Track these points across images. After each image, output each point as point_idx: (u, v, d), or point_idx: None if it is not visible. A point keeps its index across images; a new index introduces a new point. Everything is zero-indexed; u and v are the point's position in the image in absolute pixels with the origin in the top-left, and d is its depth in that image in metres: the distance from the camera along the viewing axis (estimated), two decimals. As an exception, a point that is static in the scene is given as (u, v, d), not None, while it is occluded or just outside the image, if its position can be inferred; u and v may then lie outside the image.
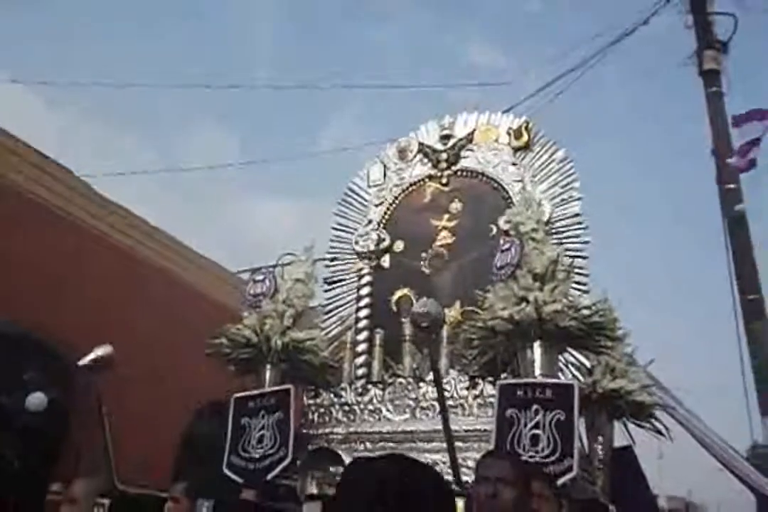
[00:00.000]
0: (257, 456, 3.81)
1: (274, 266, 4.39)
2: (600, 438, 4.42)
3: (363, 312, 5.05)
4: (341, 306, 5.26)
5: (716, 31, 6.95)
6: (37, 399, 3.10)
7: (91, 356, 3.25)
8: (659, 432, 4.59)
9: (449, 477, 3.48)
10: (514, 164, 5.15)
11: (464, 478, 3.55)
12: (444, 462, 3.57)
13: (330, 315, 5.23)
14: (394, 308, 5.01)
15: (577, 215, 4.75)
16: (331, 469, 3.44)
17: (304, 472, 3.49)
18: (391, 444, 3.81)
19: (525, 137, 5.20)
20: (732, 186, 6.30)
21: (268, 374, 4.17)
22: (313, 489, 3.41)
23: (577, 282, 4.45)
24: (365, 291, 5.15)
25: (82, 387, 3.22)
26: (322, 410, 4.15)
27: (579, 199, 4.83)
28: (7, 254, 5.78)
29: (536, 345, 3.55)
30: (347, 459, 3.41)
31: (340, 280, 5.37)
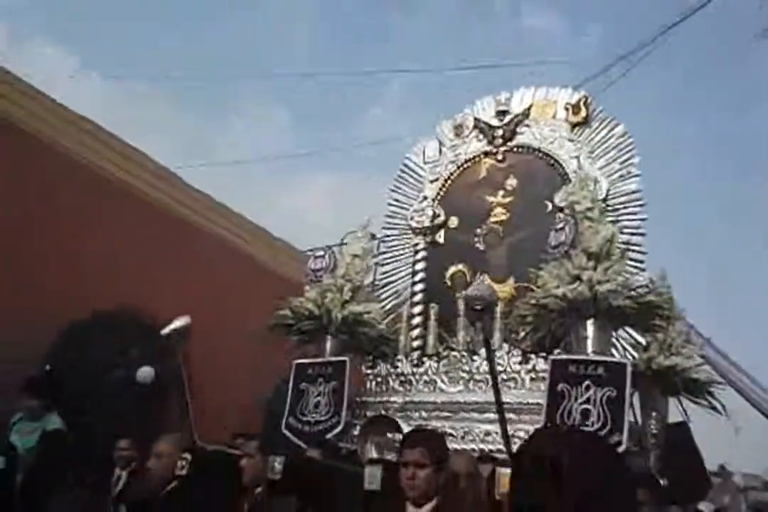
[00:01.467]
0: (312, 420, 4.07)
1: (339, 245, 4.57)
2: (654, 414, 4.48)
3: (418, 287, 5.20)
4: (397, 280, 5.42)
5: None
6: (146, 373, 3.43)
7: (172, 326, 3.53)
8: (714, 408, 4.60)
9: (501, 447, 3.66)
10: (571, 140, 5.12)
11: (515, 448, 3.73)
12: (496, 433, 3.74)
13: (386, 289, 5.39)
14: (449, 283, 5.13)
15: (634, 192, 4.72)
16: (389, 435, 3.65)
17: (364, 437, 3.72)
18: (445, 414, 3.99)
19: (583, 112, 5.15)
20: None
21: (328, 344, 4.39)
22: (373, 454, 3.63)
23: (634, 260, 4.47)
24: (420, 266, 5.29)
25: (174, 357, 3.53)
26: (379, 379, 4.36)
27: (637, 175, 4.78)
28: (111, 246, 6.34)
29: (589, 323, 3.62)
30: (405, 427, 3.62)
31: (396, 255, 5.52)
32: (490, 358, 2.86)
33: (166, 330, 3.56)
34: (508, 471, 2.47)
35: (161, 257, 7.14)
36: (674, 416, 4.66)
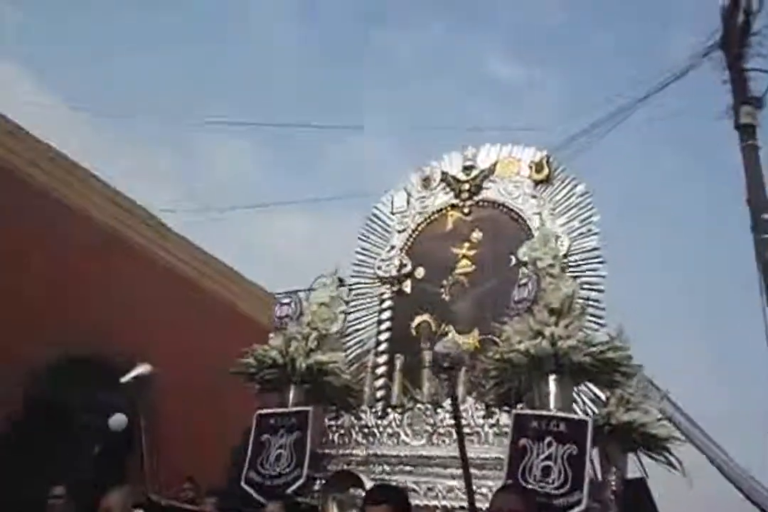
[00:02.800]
0: (274, 473, 3.99)
1: (307, 290, 4.58)
2: (613, 469, 4.53)
3: (383, 336, 5.23)
4: (362, 329, 5.44)
5: (752, 87, 7.16)
6: (119, 420, 3.34)
7: (132, 374, 3.46)
8: (671, 464, 4.67)
9: (464, 504, 3.64)
10: (534, 197, 5.32)
11: (478, 505, 3.71)
12: (459, 489, 3.72)
13: (351, 337, 5.40)
14: (414, 333, 5.17)
15: (594, 249, 4.89)
16: (351, 491, 3.60)
17: (326, 493, 3.65)
18: (408, 468, 3.95)
19: (546, 171, 5.37)
20: (766, 236, 6.48)
21: (291, 394, 4.35)
22: (335, 511, 3.56)
23: (593, 316, 4.60)
24: (386, 315, 5.33)
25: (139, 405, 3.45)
26: (342, 431, 4.30)
27: (597, 233, 4.97)
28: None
29: (551, 378, 3.69)
30: (367, 482, 3.57)
31: (363, 304, 5.55)
32: (456, 413, 2.88)
33: (125, 378, 3.48)
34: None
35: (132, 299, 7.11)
36: (633, 471, 4.72)
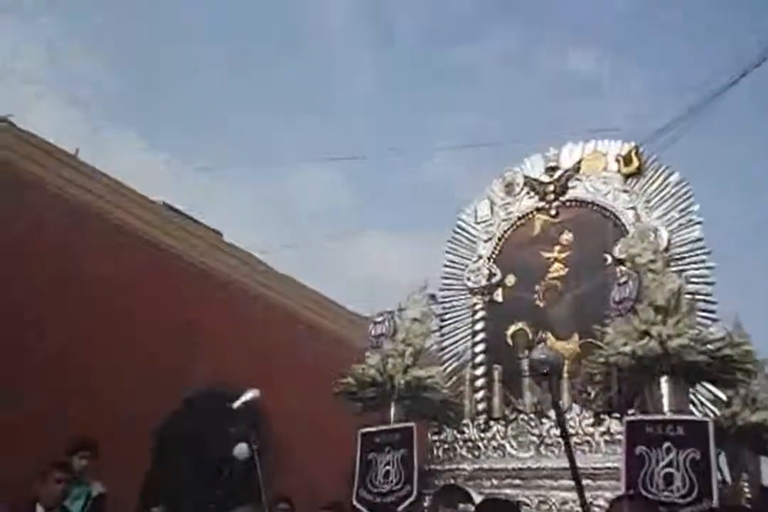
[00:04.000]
0: (384, 490, 3.97)
1: (399, 310, 4.60)
2: (744, 475, 4.17)
3: (479, 348, 5.12)
4: (457, 342, 5.36)
5: None
6: (242, 449, 3.53)
7: (242, 399, 3.60)
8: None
9: (580, 517, 3.45)
10: (625, 191, 5.07)
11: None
12: (574, 501, 3.54)
13: (447, 351, 5.33)
14: (510, 342, 5.04)
15: (698, 240, 4.59)
16: (461, 506, 3.50)
17: (435, 508, 3.58)
18: (517, 482, 3.82)
19: (635, 163, 5.11)
20: None
21: (392, 411, 4.33)
22: (444, 526, 3.49)
23: (704, 310, 4.29)
24: (480, 326, 5.22)
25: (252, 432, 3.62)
26: (446, 446, 4.24)
27: (699, 222, 4.66)
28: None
29: (663, 380, 3.46)
30: (476, 496, 3.47)
31: (455, 317, 5.48)
32: (561, 422, 2.75)
33: (237, 404, 3.63)
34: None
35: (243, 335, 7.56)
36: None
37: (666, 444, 3.23)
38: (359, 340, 5.80)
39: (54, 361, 5.96)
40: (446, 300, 5.60)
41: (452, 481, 3.94)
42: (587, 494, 3.49)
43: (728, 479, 4.25)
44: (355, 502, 4.06)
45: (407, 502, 3.83)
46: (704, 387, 4.01)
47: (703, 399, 4.11)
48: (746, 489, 4.09)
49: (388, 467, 4.04)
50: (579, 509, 3.53)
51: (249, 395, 3.62)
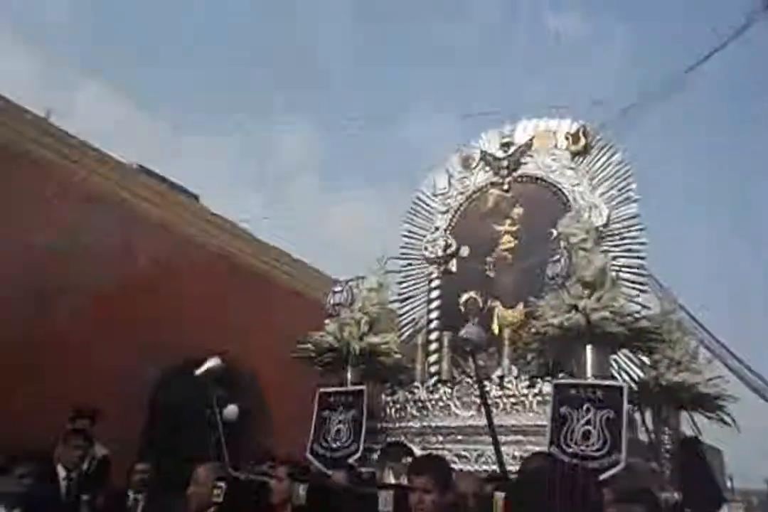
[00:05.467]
0: (334, 446, 4.38)
1: (358, 278, 4.91)
2: (666, 430, 4.65)
3: (434, 314, 5.50)
4: (413, 308, 5.73)
5: None
6: (232, 411, 3.80)
7: (204, 367, 3.90)
8: (724, 422, 4.74)
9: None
10: (572, 169, 5.38)
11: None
12: (508, 454, 3.99)
13: (404, 317, 5.70)
14: (462, 310, 5.41)
15: (633, 217, 4.94)
16: (404, 460, 3.92)
17: (382, 463, 3.99)
18: (459, 437, 4.25)
19: (582, 141, 5.40)
20: None
21: (348, 374, 4.71)
22: (390, 478, 3.90)
23: (635, 282, 4.69)
24: (435, 294, 5.59)
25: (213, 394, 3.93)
26: (398, 406, 4.65)
27: (636, 200, 5.01)
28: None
29: (587, 348, 3.86)
30: (419, 452, 3.88)
31: (412, 285, 5.83)
32: (482, 390, 3.14)
33: (199, 371, 3.91)
34: (501, 495, 2.72)
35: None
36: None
37: (586, 405, 3.64)
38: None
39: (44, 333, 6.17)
40: (404, 269, 5.93)
41: (402, 438, 4.36)
42: (519, 448, 3.98)
43: (651, 434, 4.74)
44: (308, 455, 4.47)
45: (353, 458, 4.24)
46: (633, 352, 4.45)
47: (630, 364, 4.57)
48: (666, 442, 4.60)
49: (339, 425, 4.43)
50: (510, 461, 4.00)
51: (211, 362, 3.91)
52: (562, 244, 4.34)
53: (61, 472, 3.57)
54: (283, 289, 9.25)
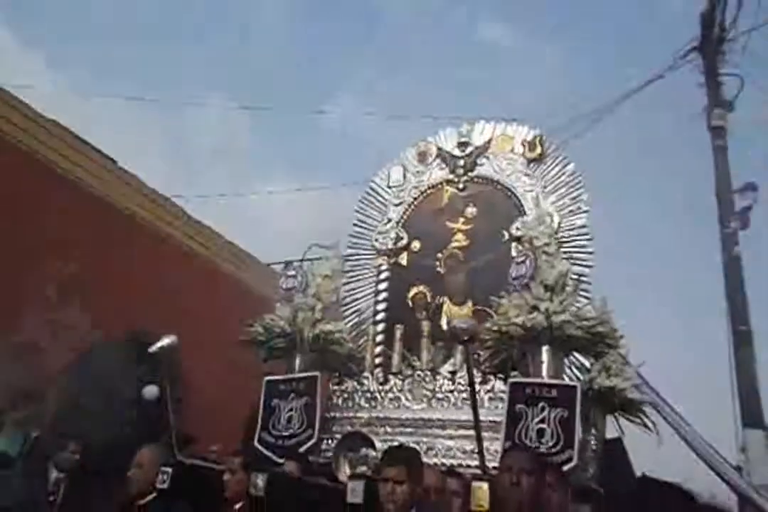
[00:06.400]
0: (286, 434, 4.29)
1: (301, 260, 4.78)
2: (593, 431, 4.92)
3: (381, 306, 5.49)
4: (359, 299, 5.69)
5: (725, 91, 7.54)
6: (151, 391, 3.59)
7: (158, 344, 3.68)
8: (646, 426, 5.08)
9: (462, 462, 4.00)
10: (527, 174, 5.55)
11: (468, 462, 4.07)
12: (457, 448, 4.08)
13: (349, 306, 5.64)
14: (410, 304, 5.44)
15: (583, 226, 5.17)
16: (362, 451, 3.90)
17: (338, 452, 3.95)
18: (409, 430, 4.27)
19: (539, 149, 5.59)
20: (731, 229, 6.95)
21: (297, 361, 4.61)
22: (346, 468, 3.87)
23: (582, 290, 4.91)
24: (383, 286, 5.58)
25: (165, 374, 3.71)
26: (346, 395, 4.60)
27: (586, 211, 5.25)
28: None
29: (545, 349, 4.00)
30: (378, 444, 3.87)
31: (359, 275, 5.78)
32: (472, 382, 3.17)
33: (153, 348, 3.70)
34: (483, 485, 2.77)
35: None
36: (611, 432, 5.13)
37: (541, 404, 3.79)
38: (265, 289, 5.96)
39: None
40: (352, 258, 5.87)
41: (350, 428, 4.32)
42: (469, 442, 4.06)
43: (579, 434, 5.00)
44: (256, 444, 4.34)
45: (309, 444, 4.17)
46: (573, 355, 4.67)
47: (571, 366, 4.79)
48: (593, 443, 4.87)
49: (291, 413, 4.34)
50: (461, 455, 4.09)
51: (166, 341, 3.71)
52: (525, 246, 4.47)
53: None
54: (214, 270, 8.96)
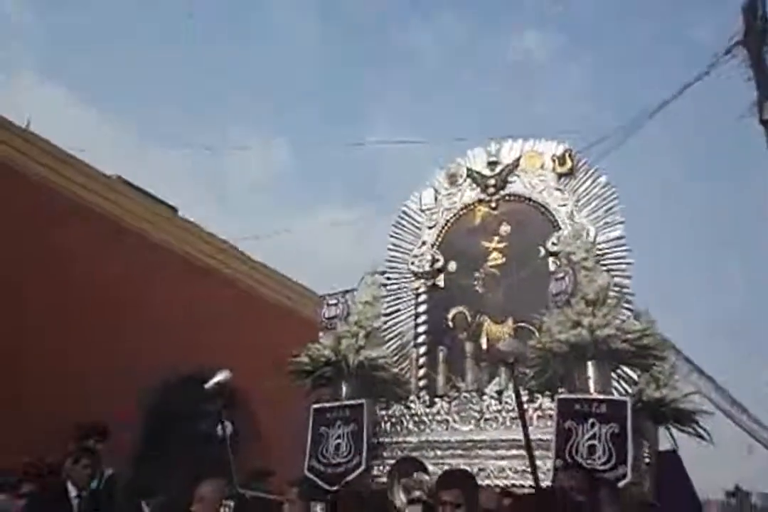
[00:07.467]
0: (334, 462, 4.33)
1: (350, 291, 4.88)
2: (645, 443, 4.83)
3: (421, 329, 5.53)
4: (399, 322, 5.73)
5: None
6: (226, 427, 3.71)
7: (214, 380, 3.79)
8: (701, 436, 4.96)
9: (515, 482, 3.98)
10: (558, 189, 5.56)
11: (521, 482, 4.04)
12: (510, 469, 4.05)
13: (389, 330, 5.69)
14: (451, 324, 5.47)
15: (620, 238, 5.15)
16: (415, 475, 3.91)
17: (392, 478, 3.96)
18: (459, 452, 4.28)
19: (569, 163, 5.60)
20: None
21: (344, 388, 4.67)
22: (400, 494, 3.87)
23: (624, 301, 4.87)
24: (422, 308, 5.62)
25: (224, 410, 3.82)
26: (393, 420, 4.63)
27: (621, 222, 5.22)
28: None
29: (590, 364, 3.98)
30: (431, 468, 3.88)
31: (398, 299, 5.84)
32: (520, 402, 3.18)
33: (208, 385, 3.81)
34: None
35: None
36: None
37: (591, 420, 3.75)
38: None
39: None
40: (390, 282, 5.94)
41: (400, 453, 4.34)
42: (520, 462, 4.04)
43: (630, 448, 4.92)
44: (306, 472, 4.39)
45: (357, 472, 4.21)
46: (620, 368, 4.61)
47: (616, 378, 4.73)
48: (646, 455, 4.78)
49: (338, 440, 4.38)
50: (513, 475, 4.06)
51: (221, 376, 3.82)
52: (563, 261, 4.47)
53: (72, 491, 3.39)
54: (269, 304, 9.22)
